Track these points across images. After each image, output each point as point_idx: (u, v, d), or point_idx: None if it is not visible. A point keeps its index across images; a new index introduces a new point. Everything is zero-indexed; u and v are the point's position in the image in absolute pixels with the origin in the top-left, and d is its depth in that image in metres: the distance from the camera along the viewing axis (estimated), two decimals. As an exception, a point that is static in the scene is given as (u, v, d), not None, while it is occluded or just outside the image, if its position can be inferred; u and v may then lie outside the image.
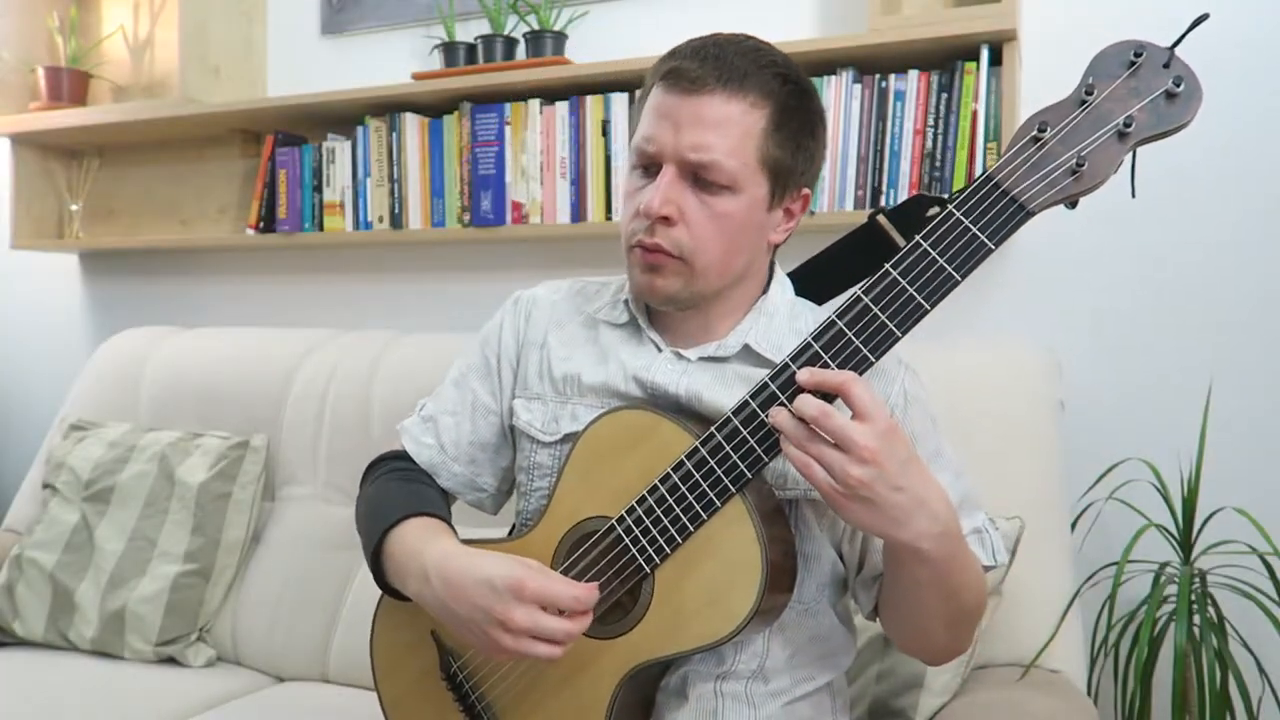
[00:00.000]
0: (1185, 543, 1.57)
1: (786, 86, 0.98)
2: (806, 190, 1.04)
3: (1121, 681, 1.58)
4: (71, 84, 2.53)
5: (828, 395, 0.84)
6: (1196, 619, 1.50)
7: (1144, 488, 1.64)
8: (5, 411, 2.82)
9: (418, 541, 1.01)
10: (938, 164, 1.73)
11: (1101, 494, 1.67)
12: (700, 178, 0.96)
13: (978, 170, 1.70)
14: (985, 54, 1.69)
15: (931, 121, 1.74)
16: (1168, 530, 1.58)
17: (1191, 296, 1.72)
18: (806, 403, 0.83)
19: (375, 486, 1.15)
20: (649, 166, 1.00)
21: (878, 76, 1.78)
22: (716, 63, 0.96)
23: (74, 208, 2.65)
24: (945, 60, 1.74)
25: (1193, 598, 1.50)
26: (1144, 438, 1.71)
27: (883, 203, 1.77)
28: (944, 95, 1.73)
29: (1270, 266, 1.68)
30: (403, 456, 1.18)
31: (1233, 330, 1.70)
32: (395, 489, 1.13)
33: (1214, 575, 1.57)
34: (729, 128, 0.95)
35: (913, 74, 1.76)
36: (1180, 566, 1.56)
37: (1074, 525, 1.62)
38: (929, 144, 1.74)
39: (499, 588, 0.89)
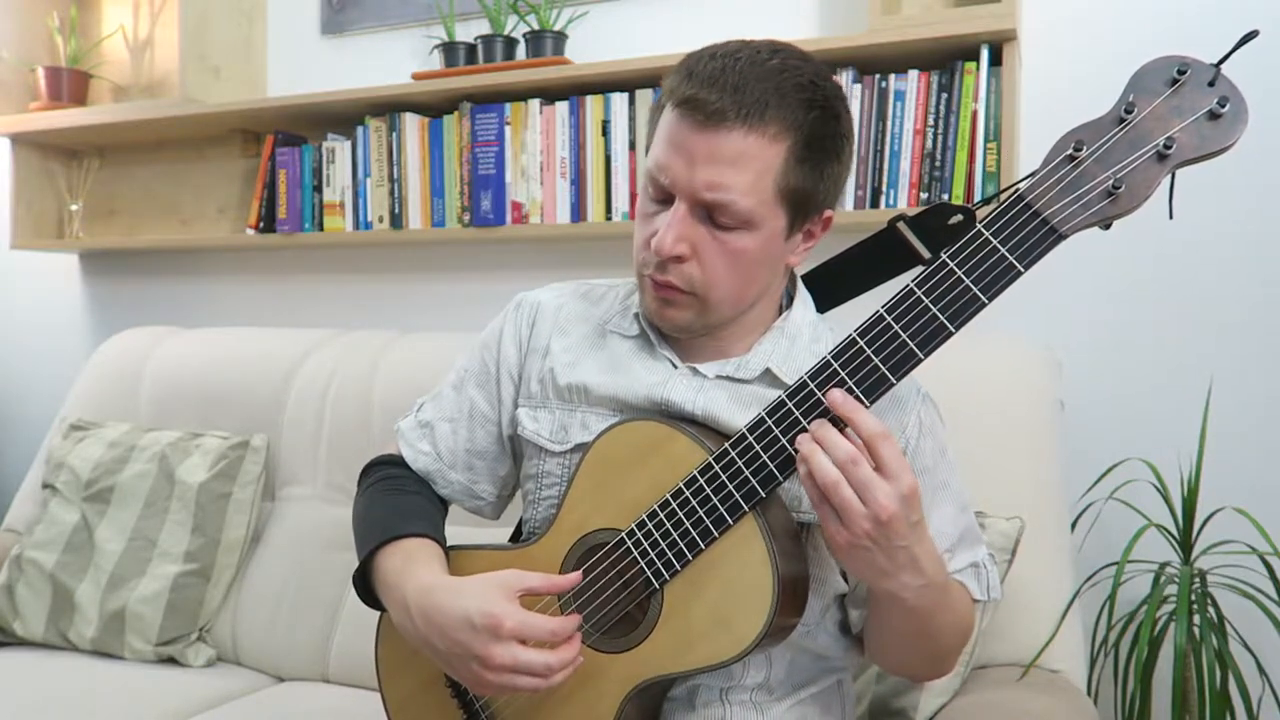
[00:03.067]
0: (1185, 543, 1.57)
1: (812, 113, 0.92)
2: (829, 212, 1.00)
3: (1121, 681, 1.58)
4: (71, 84, 2.53)
5: (838, 421, 0.83)
6: (1196, 619, 1.49)
7: (1144, 488, 1.64)
8: (5, 411, 2.82)
9: (399, 572, 0.99)
10: (938, 164, 1.73)
11: (1101, 494, 1.67)
12: (715, 215, 0.93)
13: (978, 170, 1.70)
14: (985, 54, 1.69)
15: (931, 121, 1.74)
16: (1168, 530, 1.58)
17: (1191, 296, 1.72)
18: (839, 446, 0.81)
19: (367, 498, 1.13)
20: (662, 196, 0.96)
21: (878, 76, 1.78)
22: (736, 94, 0.89)
23: (74, 208, 2.65)
24: (945, 60, 1.74)
25: (1193, 598, 1.50)
26: (1144, 438, 1.71)
27: (883, 203, 1.77)
28: (944, 95, 1.73)
29: (1270, 266, 1.68)
30: (399, 462, 1.17)
31: (1233, 330, 1.70)
32: (384, 504, 1.10)
33: (1214, 575, 1.57)
34: (746, 164, 0.90)
35: (913, 74, 1.76)
36: (1180, 566, 1.56)
37: (1074, 525, 1.62)
38: (929, 144, 1.74)
39: (477, 625, 0.88)
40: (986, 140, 1.70)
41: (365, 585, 1.05)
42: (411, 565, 0.99)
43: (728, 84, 0.89)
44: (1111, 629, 1.58)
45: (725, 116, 0.89)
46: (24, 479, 2.18)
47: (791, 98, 0.90)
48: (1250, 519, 1.51)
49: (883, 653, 1.01)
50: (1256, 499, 1.61)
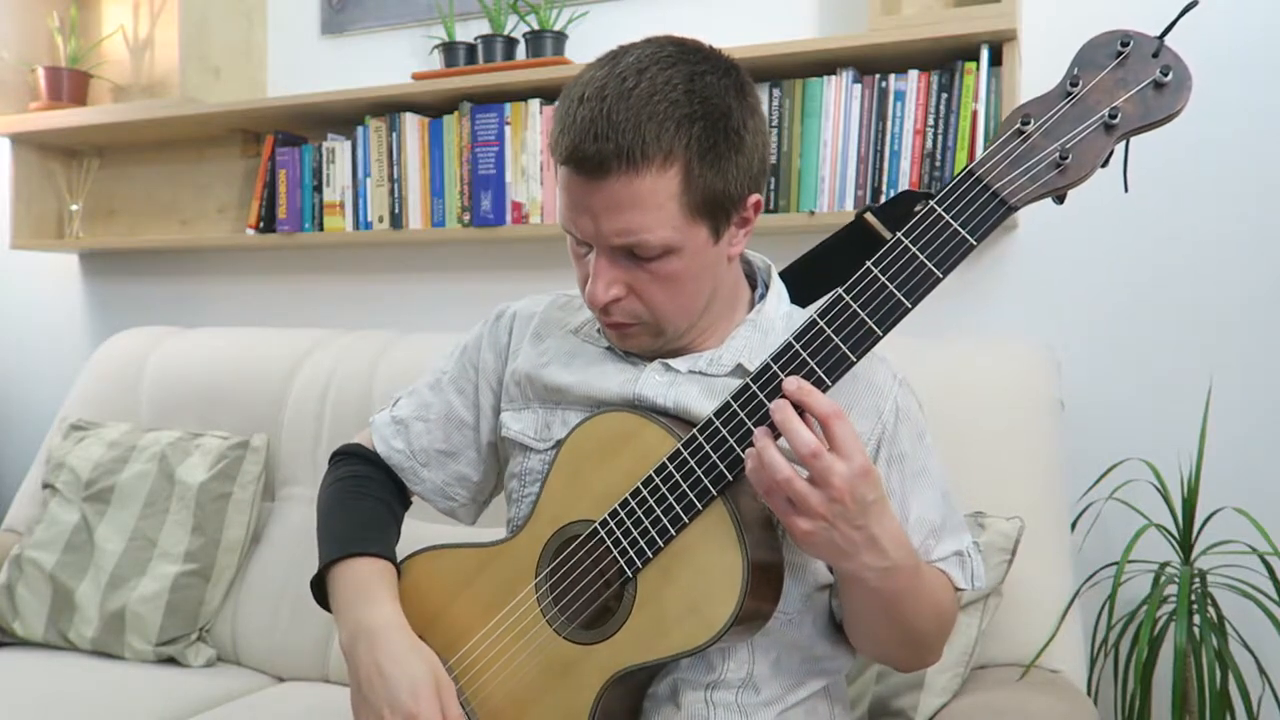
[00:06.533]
0: (1185, 543, 1.57)
1: (695, 126, 0.89)
2: (755, 197, 0.98)
3: (1121, 681, 1.58)
4: (71, 84, 2.53)
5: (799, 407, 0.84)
6: (1196, 619, 1.50)
7: (1144, 488, 1.64)
8: (5, 411, 2.82)
9: (359, 596, 1.04)
10: (938, 164, 1.73)
11: (1101, 494, 1.67)
12: (635, 252, 0.93)
13: (978, 170, 1.70)
14: (985, 54, 1.69)
15: (931, 121, 1.74)
16: (1168, 530, 1.58)
17: (1191, 296, 1.72)
18: (802, 439, 0.82)
19: (331, 495, 1.16)
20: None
21: (878, 76, 1.78)
22: (609, 139, 0.88)
23: (74, 208, 2.65)
24: (945, 60, 1.74)
25: (1193, 598, 1.50)
26: (1144, 438, 1.71)
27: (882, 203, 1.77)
28: (944, 95, 1.73)
29: (1270, 266, 1.68)
30: (368, 456, 1.19)
31: (1233, 330, 1.70)
32: (346, 510, 1.13)
33: (1214, 575, 1.57)
34: (645, 203, 0.90)
35: (913, 74, 1.76)
36: (1180, 566, 1.56)
37: (1074, 525, 1.62)
38: (929, 144, 1.74)
39: (403, 698, 0.95)
40: (986, 140, 1.70)
41: (320, 585, 1.11)
42: (372, 593, 1.04)
43: (600, 132, 0.88)
44: (1111, 629, 1.58)
45: (608, 166, 0.89)
46: (24, 479, 2.18)
47: (668, 122, 0.89)
48: (1250, 519, 1.51)
49: (857, 638, 1.02)
50: (1256, 499, 1.61)
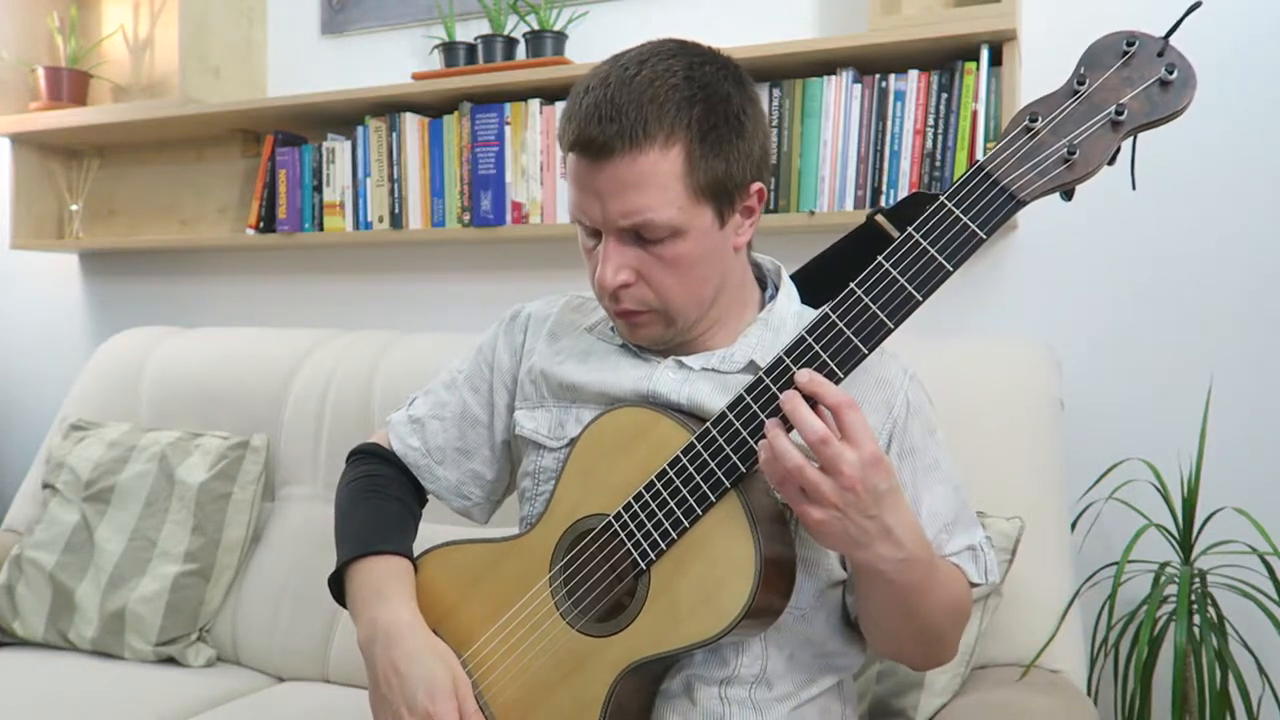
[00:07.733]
0: (1185, 543, 1.57)
1: (694, 109, 0.93)
2: (758, 185, 1.00)
3: (1121, 681, 1.58)
4: (71, 84, 2.53)
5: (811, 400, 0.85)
6: (1196, 619, 1.50)
7: (1144, 488, 1.64)
8: (5, 411, 2.82)
9: (375, 595, 1.06)
10: (938, 164, 1.73)
11: (1101, 494, 1.67)
12: (642, 234, 0.95)
13: (978, 170, 1.70)
14: (985, 54, 1.69)
15: (931, 121, 1.74)
16: (1168, 530, 1.58)
17: (1191, 295, 1.72)
18: (811, 426, 0.83)
19: (349, 494, 1.18)
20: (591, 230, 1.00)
21: (878, 76, 1.78)
22: (613, 120, 0.92)
23: (74, 208, 2.65)
24: (945, 60, 1.74)
25: (1193, 598, 1.50)
26: (1144, 438, 1.71)
27: (883, 203, 1.77)
28: (944, 95, 1.73)
29: (1271, 265, 1.68)
30: (385, 455, 1.21)
31: (1233, 329, 1.70)
32: (364, 509, 1.15)
33: (1214, 575, 1.57)
34: (649, 182, 0.93)
35: (913, 74, 1.76)
36: (1180, 566, 1.56)
37: (1074, 525, 1.62)
38: (929, 144, 1.74)
39: (418, 699, 0.96)
40: (986, 140, 1.70)
41: (338, 583, 1.12)
42: (389, 591, 1.06)
43: (604, 115, 0.92)
44: (1111, 629, 1.58)
45: (612, 147, 0.92)
46: (24, 479, 2.18)
47: (668, 103, 0.93)
48: (1250, 519, 1.51)
49: (872, 634, 1.02)
50: (1256, 499, 1.61)
